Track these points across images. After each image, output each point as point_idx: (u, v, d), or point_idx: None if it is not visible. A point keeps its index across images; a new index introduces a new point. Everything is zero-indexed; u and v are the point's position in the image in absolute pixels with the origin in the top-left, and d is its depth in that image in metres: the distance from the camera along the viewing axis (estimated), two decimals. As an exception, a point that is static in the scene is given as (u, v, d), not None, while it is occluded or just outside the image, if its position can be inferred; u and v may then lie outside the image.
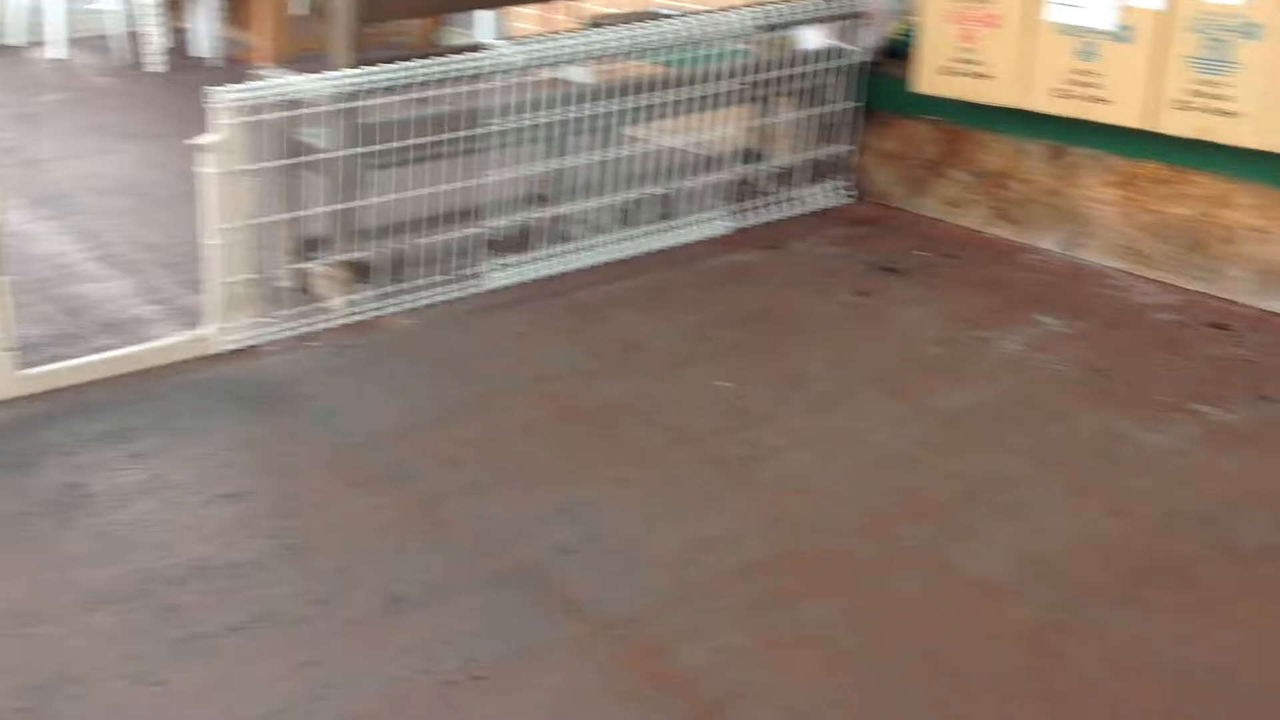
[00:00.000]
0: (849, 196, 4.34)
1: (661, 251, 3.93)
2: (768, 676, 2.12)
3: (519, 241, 3.71)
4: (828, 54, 4.15)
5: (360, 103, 3.29)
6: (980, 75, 3.82)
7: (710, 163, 4.08)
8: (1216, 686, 2.09)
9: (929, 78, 3.97)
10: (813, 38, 4.16)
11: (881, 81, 4.21)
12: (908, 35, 4.08)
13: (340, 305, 3.41)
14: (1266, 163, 3.34)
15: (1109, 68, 3.53)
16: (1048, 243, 3.96)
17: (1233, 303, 3.53)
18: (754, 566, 2.43)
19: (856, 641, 2.22)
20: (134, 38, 6.12)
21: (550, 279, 3.71)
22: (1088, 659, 2.17)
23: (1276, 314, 3.45)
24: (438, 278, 3.54)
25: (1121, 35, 3.49)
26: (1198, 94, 3.37)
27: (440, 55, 3.38)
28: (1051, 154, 3.90)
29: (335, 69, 3.28)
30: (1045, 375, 3.18)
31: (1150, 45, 3.45)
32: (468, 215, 3.58)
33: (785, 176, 4.24)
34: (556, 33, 3.82)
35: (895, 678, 2.13)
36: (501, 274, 3.65)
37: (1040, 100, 3.69)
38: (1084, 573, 2.40)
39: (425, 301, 3.50)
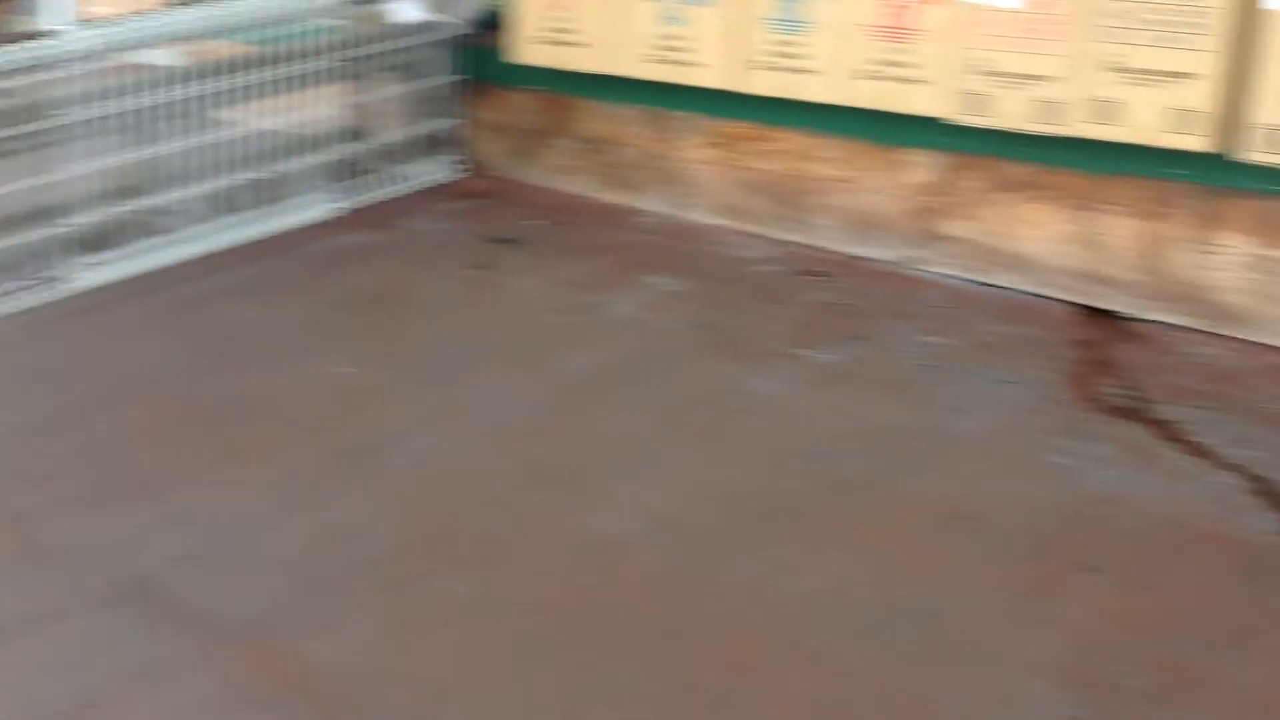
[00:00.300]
0: (460, 170, 4.32)
1: (266, 239, 3.79)
2: (401, 662, 2.08)
3: (109, 238, 3.48)
4: (423, 26, 4.11)
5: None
6: (574, 43, 3.88)
7: (311, 143, 3.96)
8: (832, 610, 2.20)
9: (525, 47, 3.99)
10: (407, 10, 4.10)
11: (482, 53, 4.21)
12: (502, 5, 4.09)
13: (-94, 321, 3.10)
14: (843, 116, 3.54)
15: (696, 32, 3.65)
16: (655, 205, 4.07)
17: (825, 250, 3.73)
18: (382, 553, 2.37)
19: (491, 614, 2.21)
20: None
21: (147, 275, 3.50)
22: (712, 601, 2.24)
23: (863, 258, 3.67)
24: (17, 284, 3.28)
25: None
26: (777, 53, 3.54)
27: (3, 43, 3.13)
28: (651, 118, 4.01)
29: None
30: (659, 334, 3.27)
31: (731, 7, 3.59)
32: (47, 214, 3.33)
33: (392, 153, 4.17)
34: (137, 14, 3.60)
35: (531, 644, 2.13)
36: (91, 274, 3.42)
37: (634, 66, 3.78)
38: (706, 520, 2.48)
39: (5, 311, 3.23)
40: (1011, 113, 3.19)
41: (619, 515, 2.50)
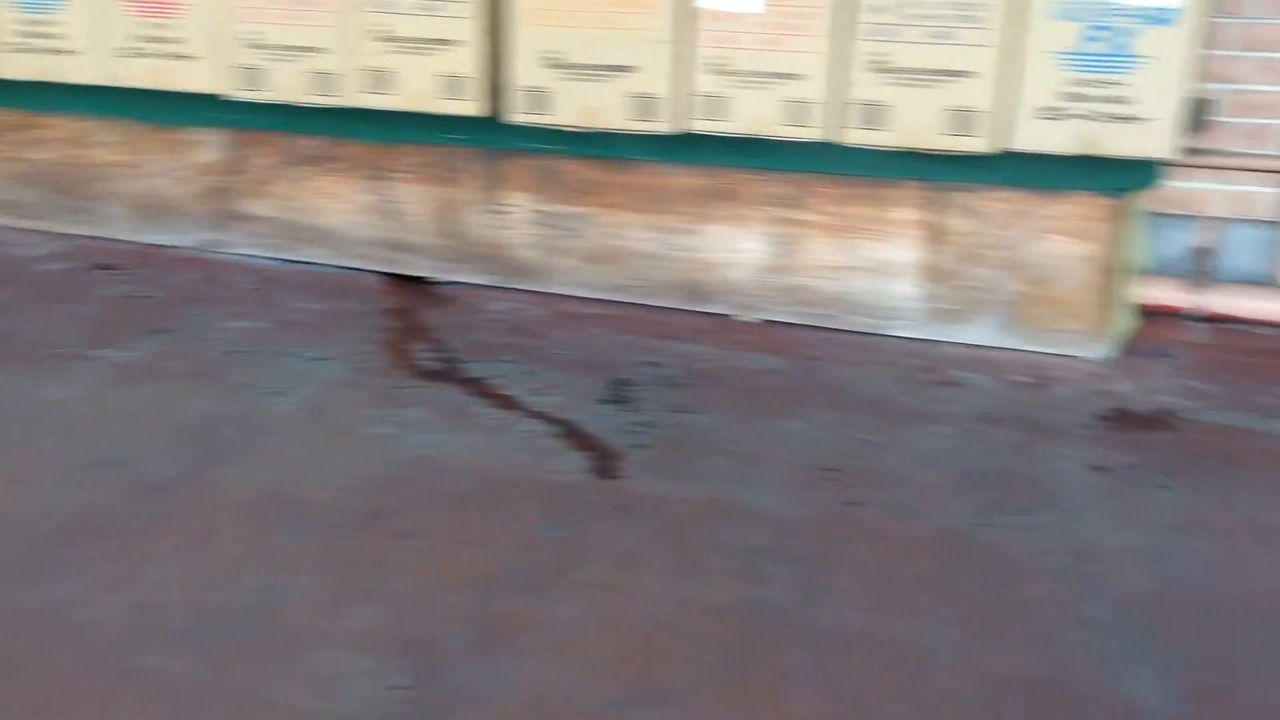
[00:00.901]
0: None
1: None
2: None
3: None
4: None
5: None
6: None
7: None
8: (150, 625, 2.06)
9: None
10: None
11: None
12: None
13: None
14: (115, 98, 3.32)
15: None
16: (-89, 206, 3.62)
17: (117, 241, 3.51)
18: None
19: None
20: None
21: None
22: (11, 638, 2.01)
23: (160, 245, 3.49)
24: None
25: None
26: (30, 34, 3.24)
27: None
28: (-108, 110, 3.55)
29: None
30: (-73, 351, 2.91)
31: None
32: None
33: None
34: None
35: None
36: None
37: None
38: (-3, 552, 2.24)
39: None
40: (289, 86, 3.14)
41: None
